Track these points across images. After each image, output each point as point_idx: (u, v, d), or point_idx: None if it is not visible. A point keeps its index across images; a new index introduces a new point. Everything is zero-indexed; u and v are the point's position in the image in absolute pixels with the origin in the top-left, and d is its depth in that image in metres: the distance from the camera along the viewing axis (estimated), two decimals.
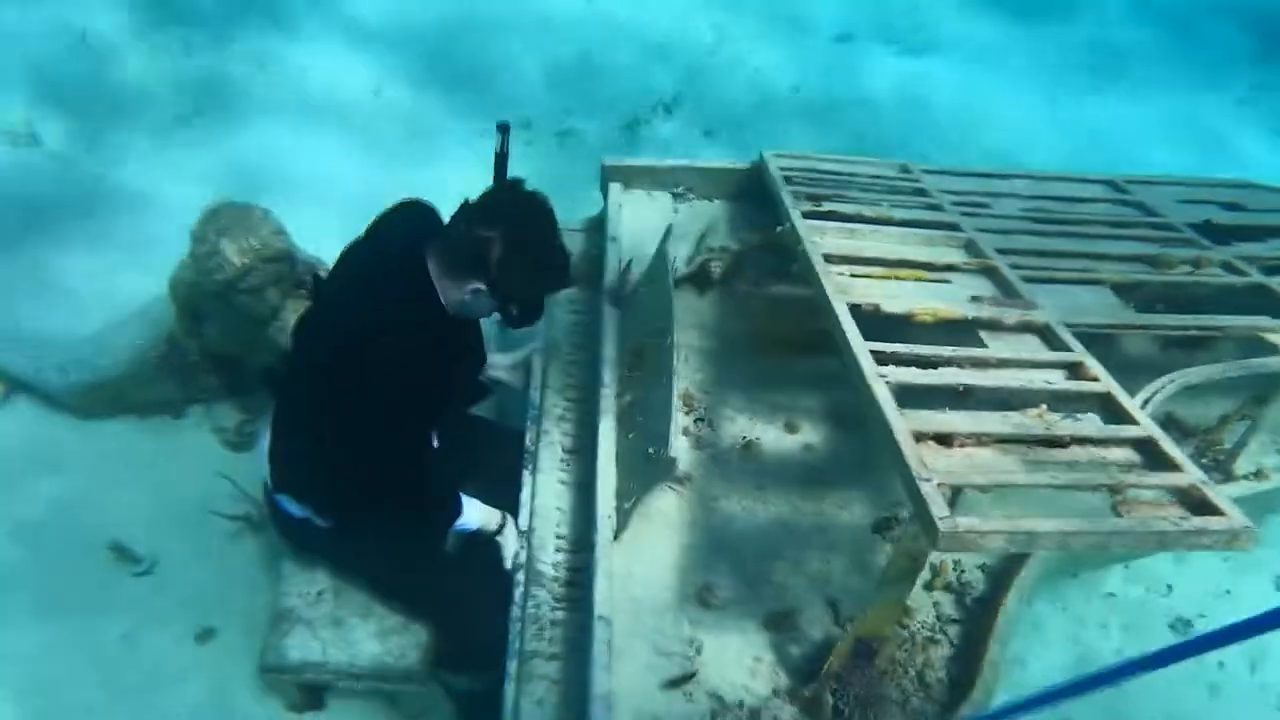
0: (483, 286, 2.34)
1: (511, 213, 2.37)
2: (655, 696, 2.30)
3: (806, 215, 2.93)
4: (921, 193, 3.31)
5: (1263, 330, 2.66)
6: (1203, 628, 3.89)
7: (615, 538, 2.51)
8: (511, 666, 2.41)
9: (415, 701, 3.06)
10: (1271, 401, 2.84)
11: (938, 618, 2.54)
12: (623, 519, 2.53)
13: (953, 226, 3.02)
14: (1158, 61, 7.47)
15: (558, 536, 2.70)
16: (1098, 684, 1.40)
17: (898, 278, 2.65)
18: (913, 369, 2.17)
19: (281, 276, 3.27)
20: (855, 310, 2.38)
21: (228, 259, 3.13)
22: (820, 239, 2.78)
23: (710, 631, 2.46)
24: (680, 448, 2.81)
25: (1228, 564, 4.05)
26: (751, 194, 3.55)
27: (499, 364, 3.19)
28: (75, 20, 5.59)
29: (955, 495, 1.79)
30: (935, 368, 2.20)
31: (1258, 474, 2.96)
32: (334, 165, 5.07)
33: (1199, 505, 1.86)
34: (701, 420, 2.97)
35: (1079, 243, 3.09)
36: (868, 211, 3.05)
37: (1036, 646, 3.59)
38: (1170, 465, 1.95)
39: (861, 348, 2.19)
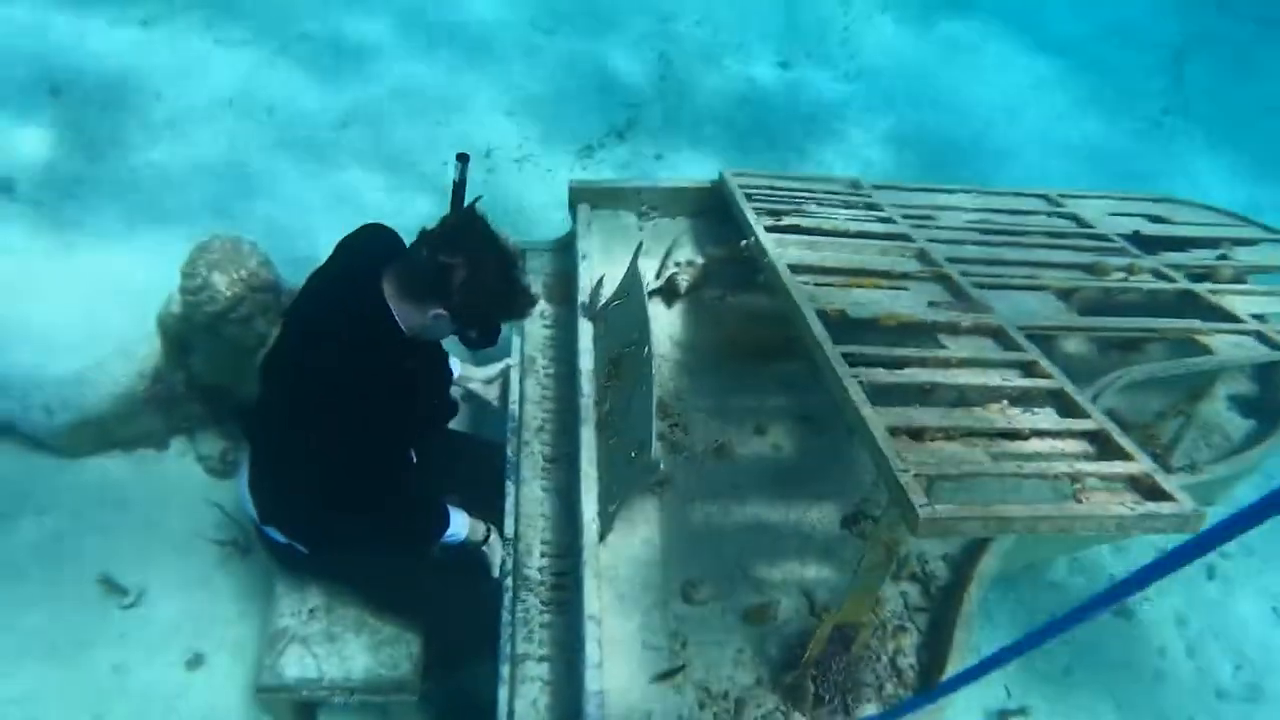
0: (443, 311, 2.33)
1: (473, 241, 2.34)
2: (645, 690, 2.34)
3: (769, 229, 3.00)
4: (873, 207, 3.39)
5: (1195, 332, 2.80)
6: (1142, 613, 4.04)
7: (601, 540, 2.54)
8: (504, 670, 2.43)
9: (406, 712, 3.04)
10: (1204, 398, 2.97)
11: (905, 606, 2.61)
12: (607, 521, 2.56)
13: (904, 238, 3.11)
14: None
15: (543, 542, 2.73)
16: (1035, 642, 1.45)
17: (859, 286, 2.72)
18: (881, 370, 2.24)
19: (268, 306, 3.26)
20: (823, 316, 2.44)
21: (219, 291, 3.12)
22: (784, 251, 2.85)
23: (694, 626, 2.50)
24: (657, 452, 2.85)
25: (1162, 551, 4.19)
26: (712, 211, 3.60)
27: (474, 377, 3.20)
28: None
29: (929, 485, 1.85)
30: (902, 368, 2.27)
31: (1193, 468, 3.07)
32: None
33: (1151, 492, 1.95)
34: (676, 425, 3.01)
35: (1022, 251, 3.19)
36: (825, 225, 3.13)
37: (989, 632, 3.68)
38: (1123, 455, 2.04)
39: (835, 351, 2.25)
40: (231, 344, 3.27)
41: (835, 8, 7.71)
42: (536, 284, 3.49)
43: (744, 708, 2.33)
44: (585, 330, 3.12)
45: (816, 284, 2.68)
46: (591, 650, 2.28)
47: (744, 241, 3.01)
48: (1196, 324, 2.85)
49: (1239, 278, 3.27)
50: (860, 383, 2.15)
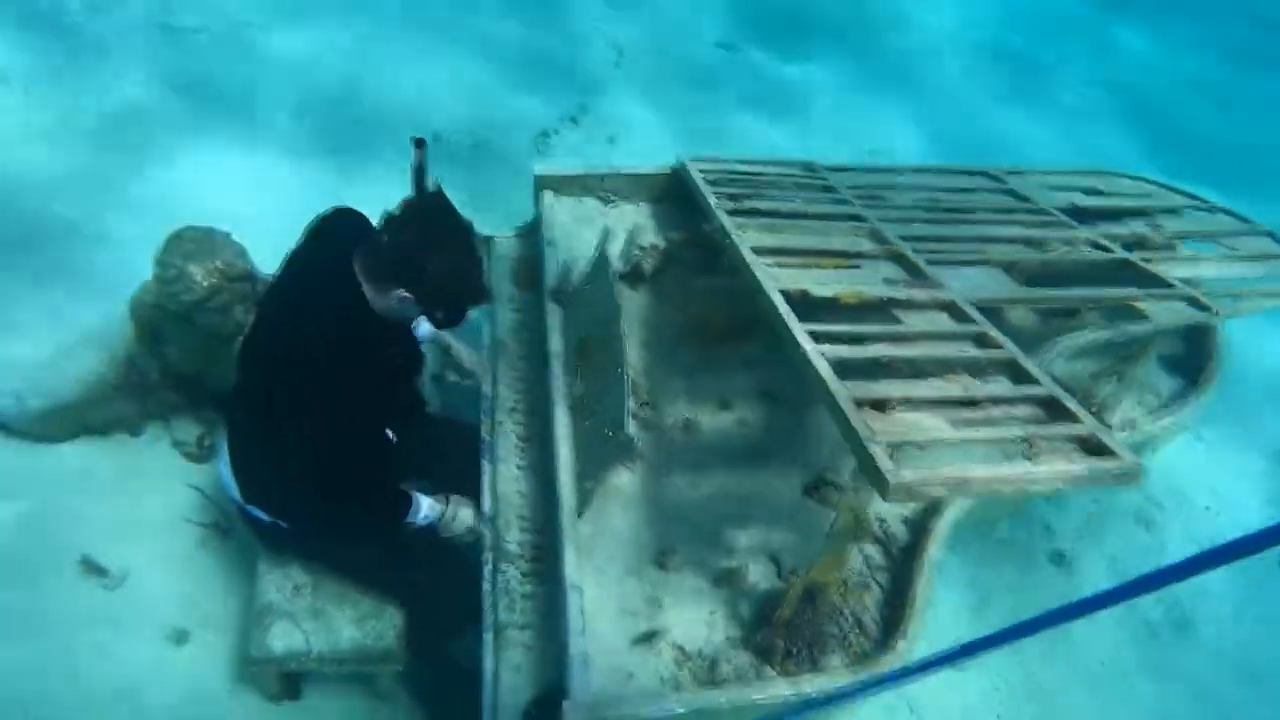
0: (409, 294, 2.32)
1: (435, 223, 2.34)
2: (625, 653, 2.38)
3: (730, 213, 3.03)
4: (828, 188, 3.44)
5: (1132, 299, 2.90)
6: (1074, 559, 4.18)
7: (579, 514, 2.57)
8: (488, 638, 2.46)
9: (390, 681, 3.06)
10: (1138, 361, 3.08)
11: (868, 566, 2.68)
12: (585, 497, 2.59)
13: (858, 218, 3.16)
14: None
15: (520, 518, 2.75)
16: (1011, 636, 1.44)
17: (819, 265, 2.77)
18: (844, 346, 2.29)
19: (245, 295, 3.22)
20: (787, 296, 2.49)
21: (195, 281, 3.08)
22: (745, 234, 2.89)
23: (669, 592, 2.55)
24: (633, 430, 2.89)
25: (1096, 505, 4.37)
26: (673, 196, 3.63)
27: (465, 357, 3.17)
28: None
29: (895, 453, 1.92)
30: (864, 343, 2.33)
31: (1131, 425, 3.19)
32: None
33: (1097, 449, 2.04)
34: (646, 404, 3.04)
35: (968, 228, 3.26)
36: (783, 207, 3.17)
37: (941, 589, 3.78)
38: (1071, 418, 2.13)
39: (799, 329, 2.30)
40: (207, 331, 3.22)
41: None
42: (505, 269, 3.50)
43: (718, 665, 2.39)
44: (554, 313, 3.14)
45: (779, 265, 2.73)
46: (574, 617, 2.32)
47: (707, 225, 3.05)
48: (1134, 291, 2.95)
49: (1169, 244, 3.39)
50: (826, 358, 2.20)
